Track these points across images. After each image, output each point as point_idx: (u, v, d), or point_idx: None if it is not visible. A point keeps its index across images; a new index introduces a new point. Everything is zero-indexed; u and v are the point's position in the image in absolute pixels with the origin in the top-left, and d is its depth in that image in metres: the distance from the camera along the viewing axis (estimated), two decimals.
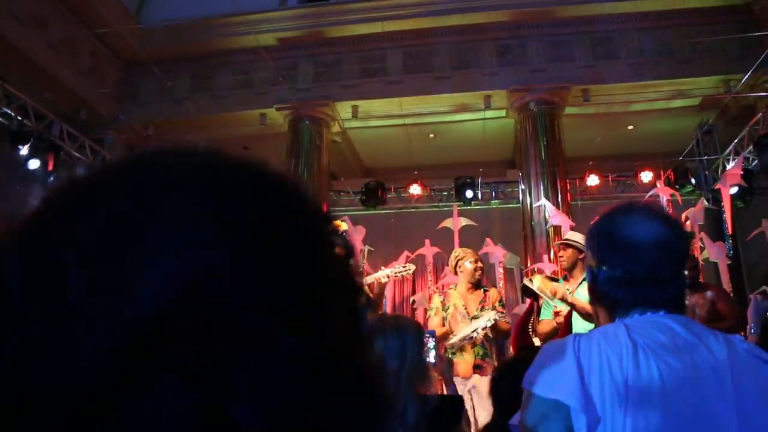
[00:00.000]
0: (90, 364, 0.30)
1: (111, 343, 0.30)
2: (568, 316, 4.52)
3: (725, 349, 1.21)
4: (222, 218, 0.35)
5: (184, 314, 0.32)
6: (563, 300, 4.32)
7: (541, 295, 4.55)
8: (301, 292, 0.36)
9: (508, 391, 2.71)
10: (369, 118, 10.20)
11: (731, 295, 6.30)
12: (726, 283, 7.23)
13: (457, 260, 5.43)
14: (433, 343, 2.73)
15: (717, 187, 8.93)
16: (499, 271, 9.01)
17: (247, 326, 0.33)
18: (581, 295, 4.61)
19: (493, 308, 5.13)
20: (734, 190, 8.52)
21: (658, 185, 9.06)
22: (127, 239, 0.33)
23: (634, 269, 1.30)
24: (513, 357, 3.20)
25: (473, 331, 4.89)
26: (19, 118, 7.93)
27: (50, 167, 8.04)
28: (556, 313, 4.66)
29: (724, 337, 1.25)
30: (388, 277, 4.69)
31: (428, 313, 5.37)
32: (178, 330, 0.31)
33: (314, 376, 0.35)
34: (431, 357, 2.67)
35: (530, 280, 4.78)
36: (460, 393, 4.72)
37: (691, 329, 1.25)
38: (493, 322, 4.90)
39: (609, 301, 1.35)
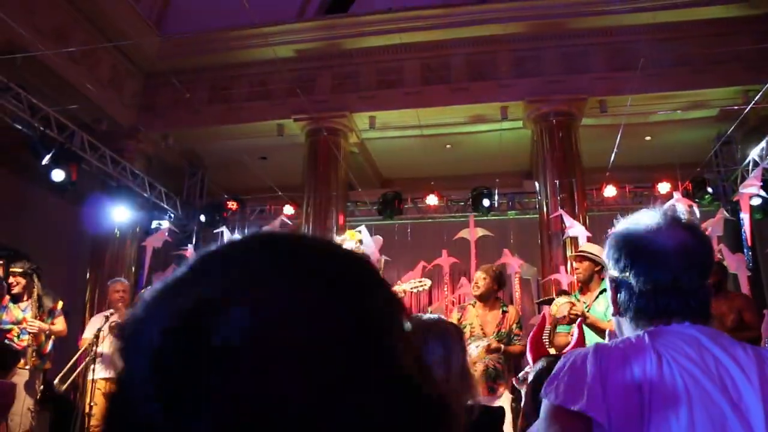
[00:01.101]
0: None
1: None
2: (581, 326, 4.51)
3: (754, 363, 1.19)
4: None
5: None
6: (583, 318, 4.26)
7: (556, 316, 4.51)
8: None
9: (530, 400, 2.69)
10: (386, 129, 10.23)
11: None
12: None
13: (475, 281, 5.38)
14: None
15: (736, 198, 8.86)
16: (515, 282, 9.00)
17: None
18: (597, 310, 4.60)
19: (510, 330, 5.06)
20: (755, 201, 8.45)
21: (675, 196, 9.01)
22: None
23: (657, 278, 1.28)
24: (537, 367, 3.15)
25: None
26: (42, 128, 8.02)
27: (73, 177, 8.13)
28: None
29: (753, 350, 1.23)
30: (405, 292, 4.65)
31: None
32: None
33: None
34: None
35: (552, 303, 4.74)
36: None
37: (718, 341, 1.23)
38: (484, 345, 4.78)
39: (632, 311, 1.33)
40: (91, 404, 5.99)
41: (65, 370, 6.16)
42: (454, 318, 5.31)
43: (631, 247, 1.33)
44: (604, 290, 4.69)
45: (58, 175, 7.97)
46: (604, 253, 1.42)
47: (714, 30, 9.15)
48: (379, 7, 9.67)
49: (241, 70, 10.50)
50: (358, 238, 4.94)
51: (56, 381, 6.10)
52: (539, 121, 9.44)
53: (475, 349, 4.88)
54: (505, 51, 9.67)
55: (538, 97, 9.37)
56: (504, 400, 4.99)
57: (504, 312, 5.18)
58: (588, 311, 4.60)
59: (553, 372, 1.26)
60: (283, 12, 10.43)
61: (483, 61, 9.74)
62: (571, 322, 4.27)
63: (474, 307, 5.26)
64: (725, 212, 8.35)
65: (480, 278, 5.24)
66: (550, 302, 5.43)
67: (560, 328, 4.78)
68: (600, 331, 4.28)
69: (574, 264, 4.97)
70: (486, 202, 10.10)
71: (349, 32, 9.96)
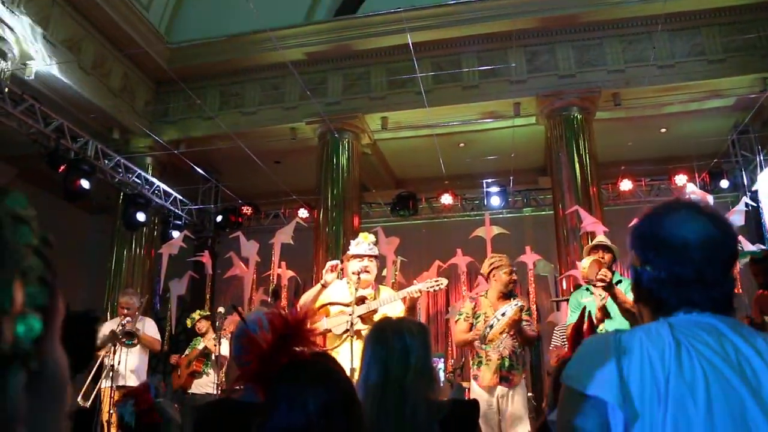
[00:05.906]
0: None
1: None
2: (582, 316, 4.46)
3: None
4: None
5: None
6: (609, 289, 4.24)
7: (589, 280, 4.46)
8: None
9: (554, 388, 2.68)
10: (398, 129, 10.21)
11: None
12: None
13: (492, 267, 5.21)
14: (442, 366, 2.66)
15: (755, 189, 8.75)
16: (530, 278, 8.96)
17: None
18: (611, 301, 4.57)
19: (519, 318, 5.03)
20: None
21: (689, 188, 8.92)
22: None
23: (680, 270, 1.27)
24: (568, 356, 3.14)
25: (501, 315, 4.78)
26: (56, 138, 8.10)
27: (88, 186, 8.21)
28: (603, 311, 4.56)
29: None
30: (420, 291, 4.60)
31: (457, 317, 5.28)
32: None
33: None
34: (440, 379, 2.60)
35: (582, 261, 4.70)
36: (486, 403, 4.71)
37: (738, 331, 1.22)
38: (518, 306, 4.77)
39: (654, 302, 1.33)
40: (110, 412, 6.00)
41: (86, 384, 6.16)
42: (467, 307, 5.24)
43: (654, 240, 1.33)
44: (619, 281, 4.64)
45: (84, 183, 8.09)
46: (627, 244, 1.41)
47: (727, 18, 9.05)
48: (388, 7, 9.64)
49: (251, 75, 10.53)
50: (371, 240, 4.89)
51: (79, 398, 6.09)
52: (553, 117, 9.37)
53: (501, 318, 4.78)
54: (516, 47, 9.61)
55: (550, 92, 9.30)
56: (519, 390, 4.96)
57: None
58: (605, 304, 4.56)
59: (573, 357, 1.28)
60: (292, 15, 10.44)
61: (494, 57, 9.68)
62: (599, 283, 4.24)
63: (486, 298, 5.23)
64: (748, 202, 8.22)
65: (512, 278, 5.21)
66: (567, 301, 5.37)
67: (570, 318, 4.72)
68: (623, 310, 4.25)
69: (599, 253, 4.89)
70: (495, 199, 10.08)
71: (358, 33, 9.95)
